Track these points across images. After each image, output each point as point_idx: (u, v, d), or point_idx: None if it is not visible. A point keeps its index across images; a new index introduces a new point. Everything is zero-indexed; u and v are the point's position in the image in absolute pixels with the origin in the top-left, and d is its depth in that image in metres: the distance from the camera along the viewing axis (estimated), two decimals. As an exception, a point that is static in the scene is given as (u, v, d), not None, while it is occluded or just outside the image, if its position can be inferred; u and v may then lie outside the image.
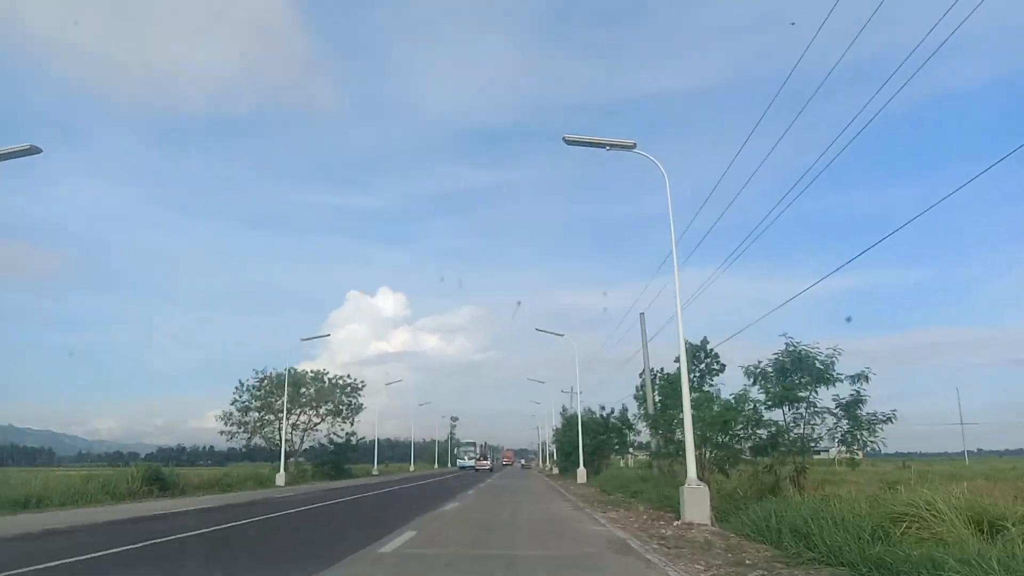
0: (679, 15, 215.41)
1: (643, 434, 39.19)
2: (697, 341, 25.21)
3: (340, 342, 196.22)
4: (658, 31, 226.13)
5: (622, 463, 54.40)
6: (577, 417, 47.83)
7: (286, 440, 49.58)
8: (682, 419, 16.86)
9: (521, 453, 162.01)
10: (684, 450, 16.20)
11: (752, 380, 17.96)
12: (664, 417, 25.44)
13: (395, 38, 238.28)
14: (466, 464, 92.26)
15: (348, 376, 55.22)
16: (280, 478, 40.54)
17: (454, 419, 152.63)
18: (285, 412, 46.13)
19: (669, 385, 26.16)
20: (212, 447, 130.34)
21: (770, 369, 17.46)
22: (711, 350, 25.52)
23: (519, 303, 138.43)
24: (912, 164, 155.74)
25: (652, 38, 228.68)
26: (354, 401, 54.22)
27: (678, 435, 22.26)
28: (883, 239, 13.75)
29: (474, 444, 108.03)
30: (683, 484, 15.30)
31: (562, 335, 46.93)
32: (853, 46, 12.76)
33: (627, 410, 43.54)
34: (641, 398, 31.50)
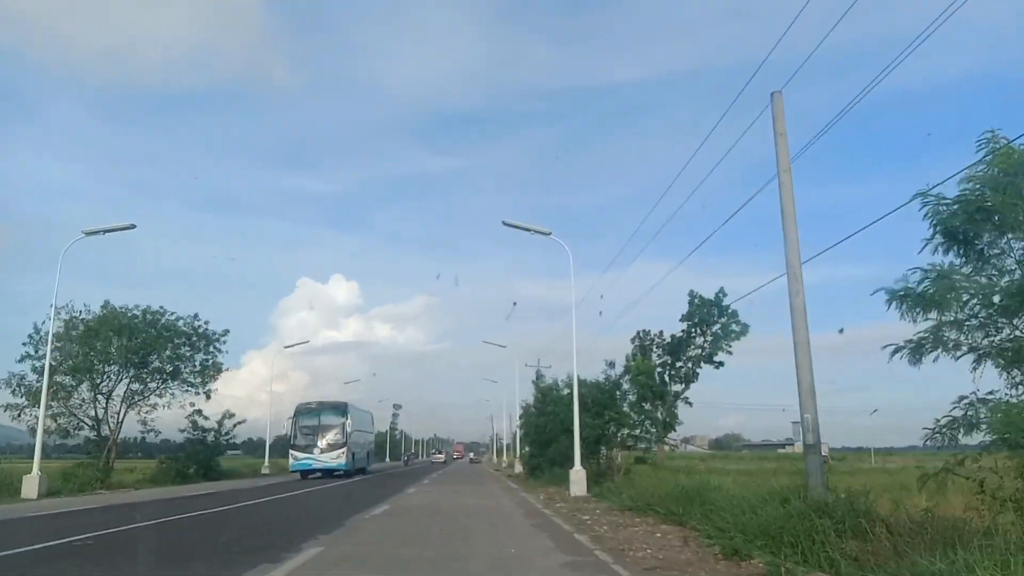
0: (643, 4, 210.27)
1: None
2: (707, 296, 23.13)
3: (290, 329, 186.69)
4: (622, 20, 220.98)
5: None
6: (567, 386, 31.50)
7: (94, 421, 31.51)
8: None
9: (472, 447, 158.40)
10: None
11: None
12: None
13: (356, 16, 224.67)
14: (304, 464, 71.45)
15: (202, 320, 35.61)
16: (30, 485, 22.76)
17: (396, 407, 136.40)
18: (47, 374, 26.59)
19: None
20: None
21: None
22: (727, 307, 22.82)
23: (515, 303, 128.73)
24: (880, 158, 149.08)
25: (616, 27, 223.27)
26: (211, 360, 35.45)
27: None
28: (851, 235, 12.39)
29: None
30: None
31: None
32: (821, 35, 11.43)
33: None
34: None
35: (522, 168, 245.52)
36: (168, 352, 32.65)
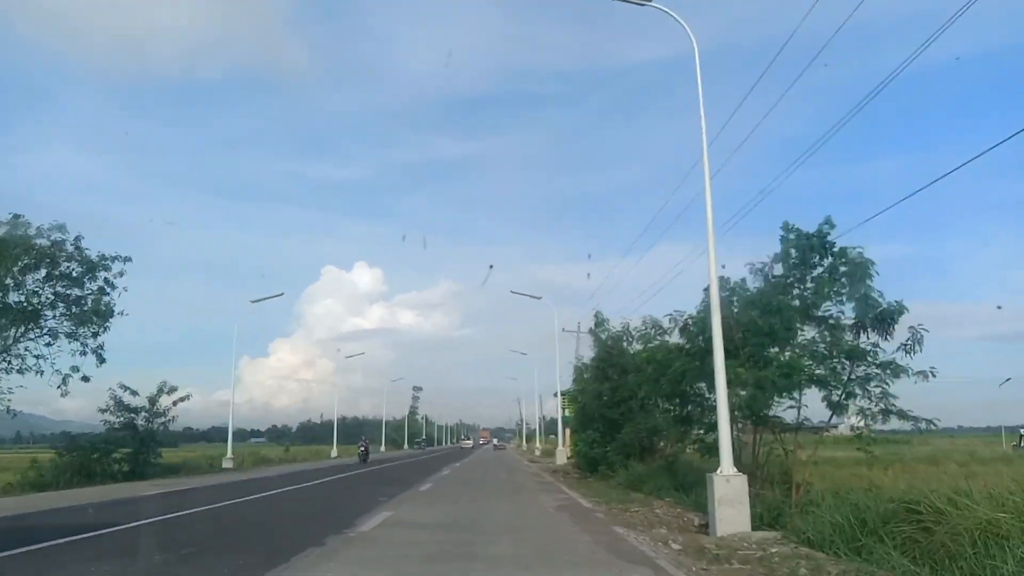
0: None
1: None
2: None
3: (317, 317, 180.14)
4: None
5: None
6: (645, 336, 19.45)
7: None
8: None
9: (497, 433, 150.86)
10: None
11: None
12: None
13: (373, 1, 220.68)
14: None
15: (81, 246, 22.59)
16: None
17: (416, 389, 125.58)
18: None
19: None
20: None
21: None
22: (832, 243, 12.40)
23: (491, 266, 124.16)
24: (895, 140, 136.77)
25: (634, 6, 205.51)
26: (93, 299, 22.57)
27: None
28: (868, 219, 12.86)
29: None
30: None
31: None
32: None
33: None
34: None
35: (541, 151, 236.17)
36: (10, 280, 20.33)
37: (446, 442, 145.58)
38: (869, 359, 11.71)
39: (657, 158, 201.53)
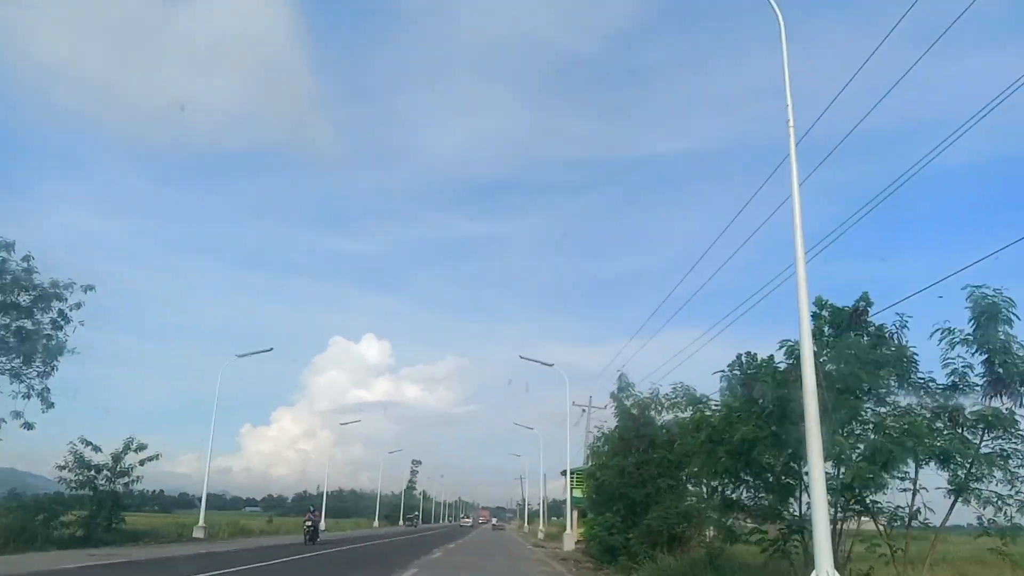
0: (679, 80, 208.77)
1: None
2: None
3: (321, 388, 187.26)
4: (658, 94, 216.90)
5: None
6: (676, 402, 16.40)
7: None
8: None
9: (496, 512, 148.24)
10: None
11: None
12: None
13: (400, 85, 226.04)
14: None
15: (32, 268, 19.81)
16: None
17: (416, 463, 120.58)
18: None
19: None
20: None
21: None
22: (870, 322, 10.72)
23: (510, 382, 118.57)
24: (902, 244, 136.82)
25: (651, 101, 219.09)
26: (45, 335, 19.56)
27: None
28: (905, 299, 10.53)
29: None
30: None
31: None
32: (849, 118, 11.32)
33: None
34: None
35: (554, 234, 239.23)
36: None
37: (443, 520, 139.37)
38: (1011, 429, 8.69)
39: (667, 246, 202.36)
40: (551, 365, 40.06)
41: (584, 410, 43.64)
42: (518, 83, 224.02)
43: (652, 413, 20.33)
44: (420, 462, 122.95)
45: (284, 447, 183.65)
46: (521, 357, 41.80)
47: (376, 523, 79.19)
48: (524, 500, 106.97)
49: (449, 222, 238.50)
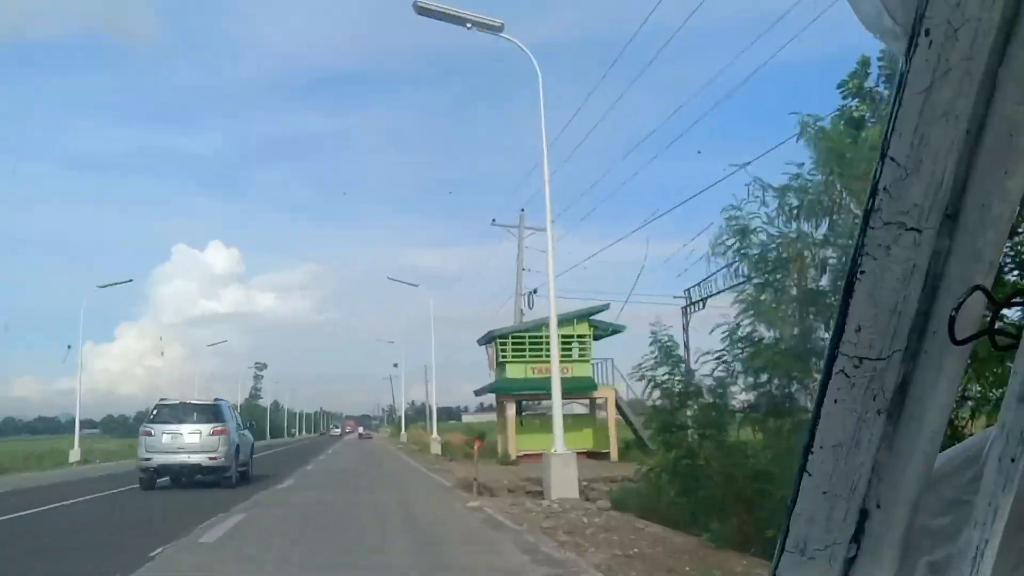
0: None
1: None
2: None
3: (165, 299, 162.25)
4: None
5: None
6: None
7: None
8: None
9: (363, 420, 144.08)
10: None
11: None
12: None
13: None
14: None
15: None
16: None
17: (260, 366, 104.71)
18: None
19: None
20: None
21: None
22: None
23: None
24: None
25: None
26: None
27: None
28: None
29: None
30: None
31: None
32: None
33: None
34: None
35: (406, 129, 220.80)
36: None
37: (305, 432, 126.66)
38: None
39: (527, 138, 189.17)
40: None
41: (512, 232, 28.66)
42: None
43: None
44: (265, 365, 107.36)
45: (132, 364, 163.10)
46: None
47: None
48: (396, 404, 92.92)
49: (294, 118, 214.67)
